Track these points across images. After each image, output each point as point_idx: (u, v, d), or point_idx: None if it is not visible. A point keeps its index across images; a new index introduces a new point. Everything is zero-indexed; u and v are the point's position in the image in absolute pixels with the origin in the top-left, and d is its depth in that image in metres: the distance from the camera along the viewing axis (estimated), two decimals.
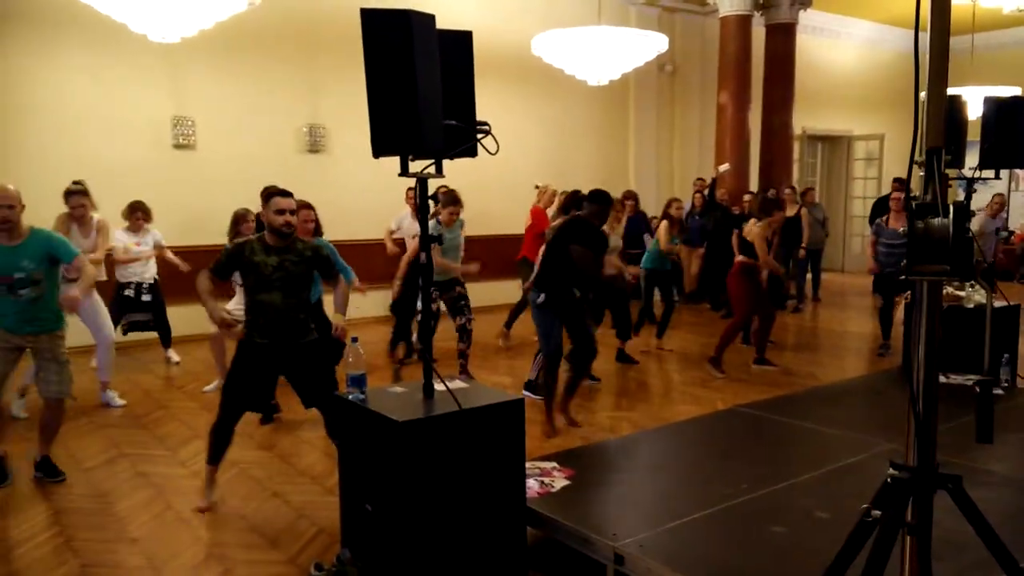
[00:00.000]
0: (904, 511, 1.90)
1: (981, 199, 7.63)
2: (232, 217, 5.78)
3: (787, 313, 9.67)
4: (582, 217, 5.10)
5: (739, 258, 6.71)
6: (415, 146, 2.80)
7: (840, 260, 14.66)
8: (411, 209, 7.54)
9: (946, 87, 1.85)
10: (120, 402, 5.75)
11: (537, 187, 8.22)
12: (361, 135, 3.22)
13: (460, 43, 3.09)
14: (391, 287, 6.53)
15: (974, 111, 5.39)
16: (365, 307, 8.26)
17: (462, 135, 3.02)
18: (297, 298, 3.84)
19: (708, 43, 11.88)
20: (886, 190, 12.09)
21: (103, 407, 5.68)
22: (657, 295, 8.08)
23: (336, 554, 3.08)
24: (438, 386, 3.06)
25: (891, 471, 1.91)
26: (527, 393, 5.67)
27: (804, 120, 12.93)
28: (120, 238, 6.62)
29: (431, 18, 2.81)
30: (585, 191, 5.52)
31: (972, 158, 4.51)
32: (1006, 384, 5.30)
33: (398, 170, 2.94)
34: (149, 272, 6.81)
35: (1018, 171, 13.41)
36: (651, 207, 10.02)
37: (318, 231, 5.34)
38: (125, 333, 6.84)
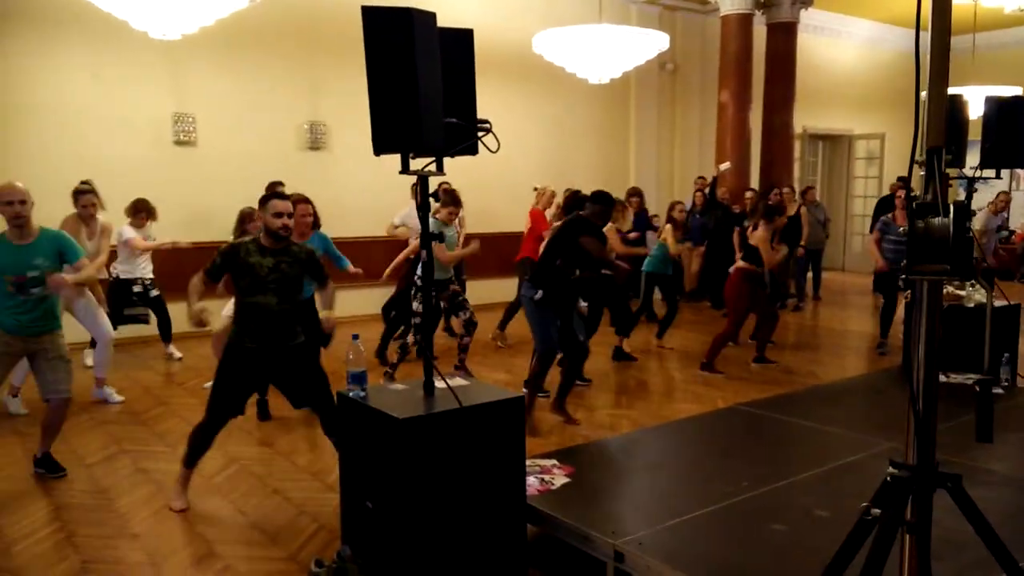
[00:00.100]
0: (904, 510, 1.90)
1: (982, 199, 7.63)
2: (238, 215, 5.78)
3: (788, 312, 9.67)
4: (584, 217, 5.12)
5: (740, 264, 6.68)
6: (416, 144, 2.81)
7: (841, 259, 14.65)
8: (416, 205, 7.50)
9: (947, 86, 1.86)
10: (118, 398, 5.74)
11: (536, 189, 8.19)
12: (362, 133, 3.22)
13: (461, 41, 3.10)
14: (390, 284, 6.51)
15: (975, 111, 5.39)
16: (365, 305, 8.25)
17: (463, 133, 3.03)
18: (291, 302, 3.84)
19: (709, 42, 11.87)
20: (886, 189, 12.11)
21: (101, 403, 5.67)
22: (658, 294, 8.08)
23: (336, 551, 3.08)
24: (438, 383, 3.06)
25: (891, 470, 1.92)
26: (527, 391, 5.66)
27: (805, 119, 12.92)
28: (128, 232, 6.67)
29: (432, 16, 2.82)
30: (586, 190, 5.53)
31: (973, 158, 4.52)
32: (1006, 383, 5.31)
33: (399, 168, 2.94)
34: (149, 268, 6.90)
35: (1019, 171, 13.41)
36: (651, 205, 10.00)
37: (316, 225, 5.34)
38: (115, 327, 6.84)
